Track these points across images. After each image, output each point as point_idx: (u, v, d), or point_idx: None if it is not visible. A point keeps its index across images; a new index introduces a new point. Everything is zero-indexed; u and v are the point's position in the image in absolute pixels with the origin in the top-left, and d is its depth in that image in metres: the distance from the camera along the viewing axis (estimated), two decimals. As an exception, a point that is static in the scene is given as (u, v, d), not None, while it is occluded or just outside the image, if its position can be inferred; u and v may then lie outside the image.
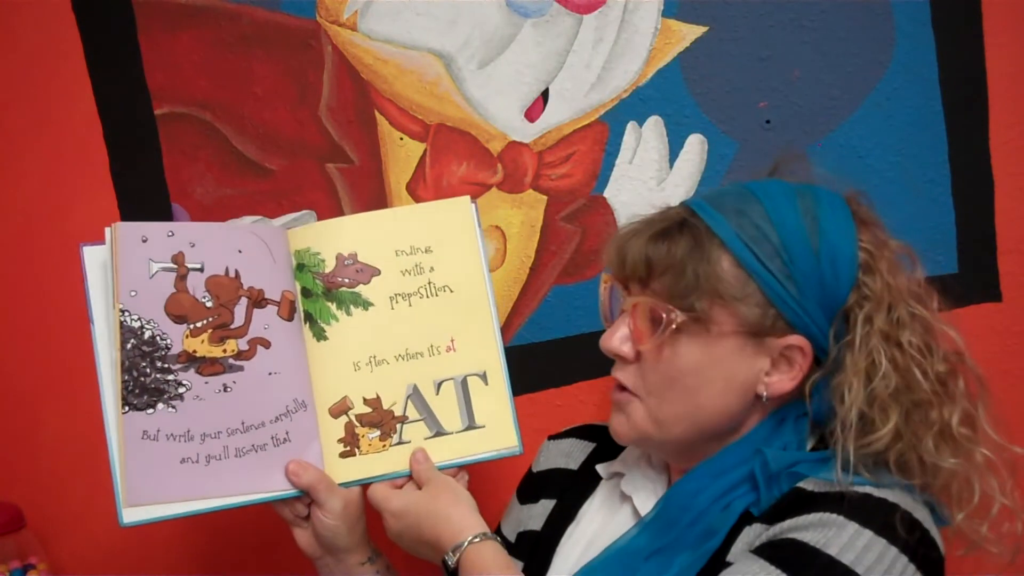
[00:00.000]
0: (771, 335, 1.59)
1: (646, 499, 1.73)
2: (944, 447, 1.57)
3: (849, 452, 1.54)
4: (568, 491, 1.87)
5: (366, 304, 1.83)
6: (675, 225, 1.63)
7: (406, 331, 1.84)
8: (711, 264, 1.58)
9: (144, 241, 1.70)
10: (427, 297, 1.85)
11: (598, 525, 1.79)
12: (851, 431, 1.55)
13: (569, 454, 1.94)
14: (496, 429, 1.85)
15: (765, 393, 1.61)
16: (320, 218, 2.22)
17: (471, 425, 1.84)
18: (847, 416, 1.55)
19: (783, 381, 1.61)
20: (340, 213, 2.24)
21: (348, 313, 1.82)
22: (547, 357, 2.22)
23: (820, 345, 1.60)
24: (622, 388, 1.69)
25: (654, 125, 2.15)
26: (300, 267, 1.82)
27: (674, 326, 1.59)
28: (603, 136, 2.17)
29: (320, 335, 1.81)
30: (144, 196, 2.28)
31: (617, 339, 1.67)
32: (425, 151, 2.22)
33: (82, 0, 2.28)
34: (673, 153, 2.14)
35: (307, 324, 1.81)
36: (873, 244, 1.62)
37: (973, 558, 1.65)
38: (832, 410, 1.58)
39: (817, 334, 1.59)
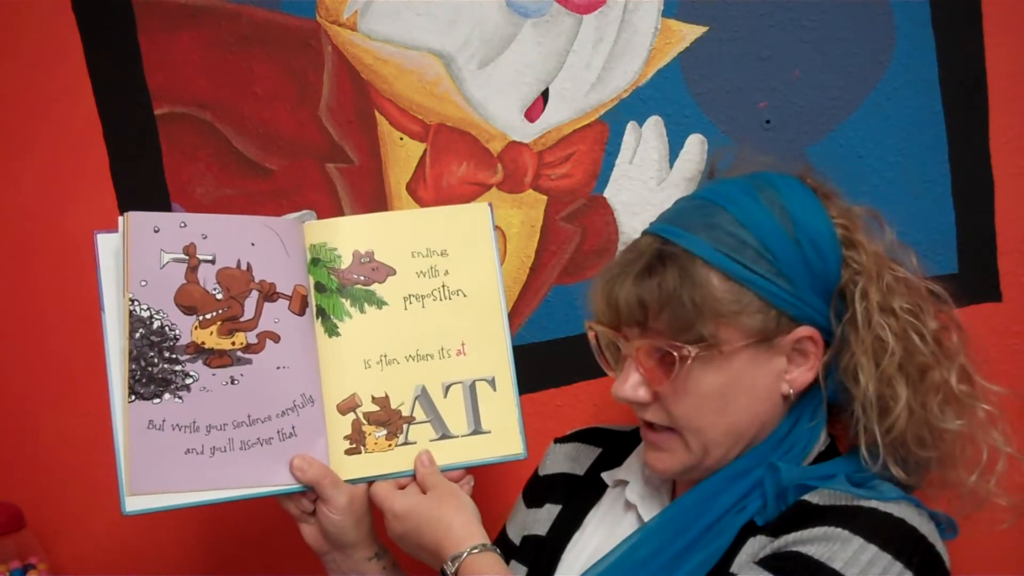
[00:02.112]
0: (779, 335, 1.59)
1: (651, 507, 1.73)
2: (948, 409, 1.59)
3: (876, 435, 1.55)
4: (574, 497, 1.87)
5: (380, 303, 1.83)
6: (655, 259, 1.61)
7: (418, 332, 1.85)
8: (703, 287, 1.56)
9: (156, 231, 1.70)
10: (440, 300, 1.86)
11: (603, 533, 1.79)
12: (874, 411, 1.56)
13: (575, 459, 1.94)
14: (502, 435, 1.86)
15: (791, 391, 1.61)
16: (321, 218, 2.22)
17: (477, 430, 1.85)
18: (866, 396, 1.56)
19: (803, 373, 1.61)
20: (340, 213, 2.24)
21: (361, 311, 1.83)
22: (547, 357, 2.22)
23: (827, 329, 1.60)
24: (650, 426, 1.68)
25: (654, 125, 2.15)
26: (315, 261, 1.82)
27: (689, 361, 1.57)
28: (603, 136, 2.17)
29: (332, 331, 1.81)
30: (144, 196, 2.28)
31: (630, 387, 1.64)
32: (425, 151, 2.22)
33: (82, 0, 2.28)
34: (673, 153, 2.15)
35: (319, 319, 1.81)
36: (844, 216, 1.64)
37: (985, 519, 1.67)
38: (847, 392, 1.59)
39: (820, 320, 1.60)
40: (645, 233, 1.68)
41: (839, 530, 1.47)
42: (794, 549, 1.47)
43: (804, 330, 1.59)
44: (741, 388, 1.60)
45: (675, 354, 1.57)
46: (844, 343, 1.59)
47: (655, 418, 1.65)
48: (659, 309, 1.58)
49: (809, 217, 1.61)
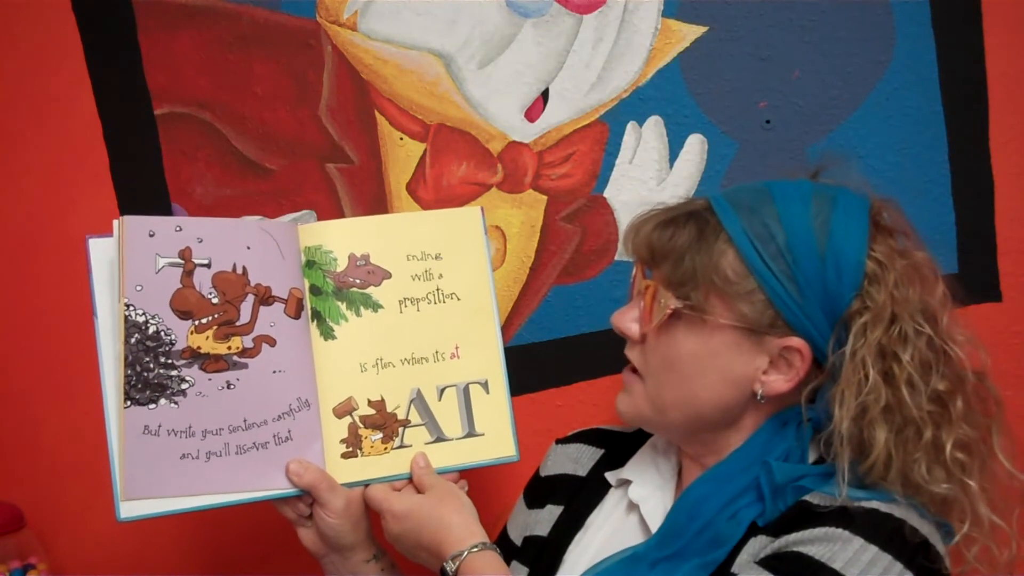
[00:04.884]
0: (770, 334, 1.59)
1: (654, 508, 1.73)
2: (937, 470, 1.56)
3: (844, 470, 1.53)
4: (576, 498, 1.87)
5: (376, 306, 1.84)
6: (684, 215, 1.65)
7: (413, 335, 1.86)
8: (712, 256, 1.59)
9: (151, 235, 1.70)
10: (435, 303, 1.87)
11: (606, 534, 1.79)
12: (845, 447, 1.54)
13: (577, 460, 1.94)
14: (495, 437, 1.88)
15: (761, 391, 1.61)
16: (321, 218, 2.22)
17: (471, 432, 1.86)
18: (839, 428, 1.54)
19: (779, 382, 1.60)
20: (340, 213, 2.24)
21: (357, 314, 1.83)
22: (547, 357, 2.22)
23: (821, 350, 1.59)
24: (631, 369, 1.72)
25: (654, 125, 2.14)
26: (310, 264, 1.82)
27: (669, 311, 1.61)
28: (603, 136, 2.17)
29: (328, 334, 1.81)
30: (144, 196, 2.28)
31: (627, 318, 1.71)
32: (425, 151, 2.22)
33: (82, 0, 2.27)
34: (673, 153, 2.14)
35: (315, 322, 1.81)
36: (886, 255, 1.60)
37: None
38: (830, 419, 1.57)
39: (818, 338, 1.58)
40: (707, 197, 1.70)
41: (840, 530, 1.46)
42: (795, 549, 1.47)
43: (796, 341, 1.58)
44: (714, 366, 1.62)
45: (661, 301, 1.62)
46: (836, 373, 1.57)
47: (634, 359, 1.71)
48: (662, 258, 1.64)
49: (846, 239, 1.59)
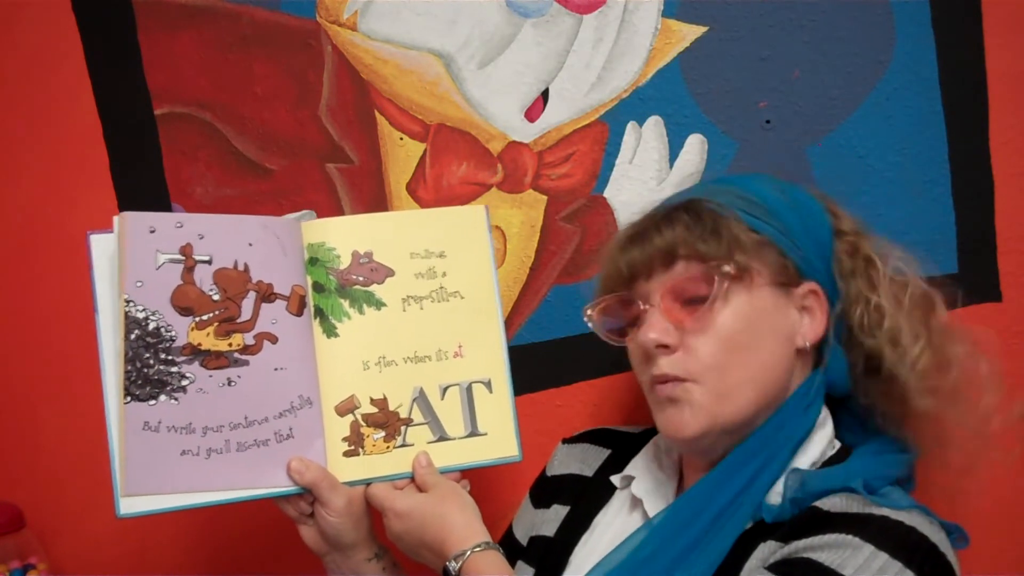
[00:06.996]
0: (792, 284, 1.65)
1: (656, 503, 1.74)
2: (953, 337, 1.69)
3: (902, 375, 1.64)
4: (582, 498, 1.88)
5: (379, 304, 1.84)
6: (678, 207, 1.69)
7: (416, 334, 1.85)
8: (729, 227, 1.63)
9: (152, 232, 1.70)
10: (438, 301, 1.86)
11: (613, 534, 1.78)
12: (899, 347, 1.65)
13: (584, 460, 1.94)
14: (498, 437, 1.87)
15: (806, 343, 1.66)
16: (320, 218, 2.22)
17: (474, 432, 1.85)
18: (892, 335, 1.65)
19: (814, 326, 1.66)
20: (340, 213, 2.24)
21: (361, 312, 1.83)
22: (547, 357, 2.22)
23: (826, 289, 1.67)
24: (665, 381, 1.65)
25: (654, 125, 2.14)
26: (313, 261, 1.82)
27: (726, 284, 1.61)
28: (603, 136, 2.16)
29: (331, 332, 1.81)
30: (144, 196, 2.28)
31: (660, 330, 1.64)
32: (425, 151, 2.22)
33: (82, 0, 2.28)
34: (673, 153, 2.14)
35: (317, 320, 1.81)
36: (838, 220, 1.74)
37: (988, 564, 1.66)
38: (859, 348, 1.67)
39: (824, 279, 1.67)
40: (672, 197, 1.77)
41: (850, 537, 1.47)
42: (805, 555, 1.47)
43: (810, 284, 1.66)
44: (766, 326, 1.64)
45: (715, 276, 1.61)
46: (855, 298, 1.67)
47: (672, 367, 1.63)
48: (698, 236, 1.63)
49: (804, 198, 1.71)
